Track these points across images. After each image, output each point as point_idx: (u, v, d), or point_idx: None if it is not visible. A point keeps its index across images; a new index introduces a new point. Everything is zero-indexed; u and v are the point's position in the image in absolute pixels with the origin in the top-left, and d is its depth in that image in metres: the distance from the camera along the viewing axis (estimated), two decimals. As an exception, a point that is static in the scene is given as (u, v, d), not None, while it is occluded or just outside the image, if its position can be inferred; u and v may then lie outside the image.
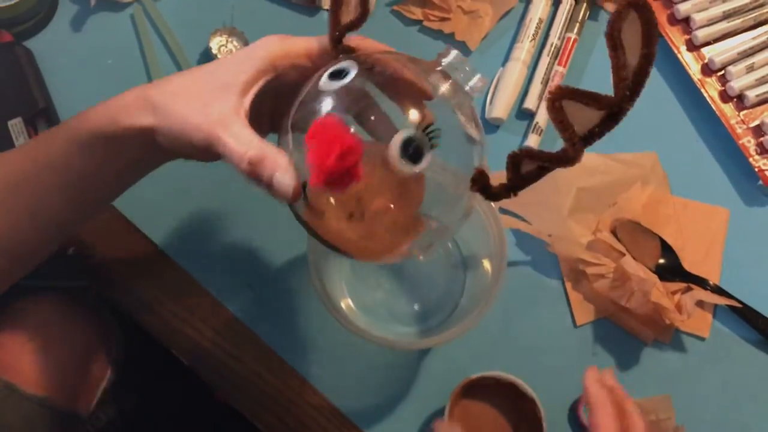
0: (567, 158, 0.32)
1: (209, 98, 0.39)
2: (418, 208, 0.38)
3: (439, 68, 0.38)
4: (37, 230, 0.49)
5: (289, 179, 0.36)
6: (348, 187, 0.34)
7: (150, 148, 0.43)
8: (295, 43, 0.42)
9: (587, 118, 0.31)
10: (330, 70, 0.37)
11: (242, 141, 0.38)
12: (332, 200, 0.36)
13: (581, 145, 0.32)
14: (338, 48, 0.40)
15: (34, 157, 0.47)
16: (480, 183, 0.36)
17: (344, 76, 0.36)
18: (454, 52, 0.37)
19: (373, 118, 0.38)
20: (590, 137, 0.32)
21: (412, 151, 0.34)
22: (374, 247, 0.39)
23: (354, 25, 0.40)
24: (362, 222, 0.36)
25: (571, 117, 0.31)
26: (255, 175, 0.37)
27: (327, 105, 0.36)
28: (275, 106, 0.44)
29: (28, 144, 0.50)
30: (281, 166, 0.37)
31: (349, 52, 0.40)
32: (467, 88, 0.38)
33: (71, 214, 0.48)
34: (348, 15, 0.40)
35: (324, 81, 0.37)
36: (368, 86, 0.37)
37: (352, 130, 0.34)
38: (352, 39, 0.41)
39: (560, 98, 0.31)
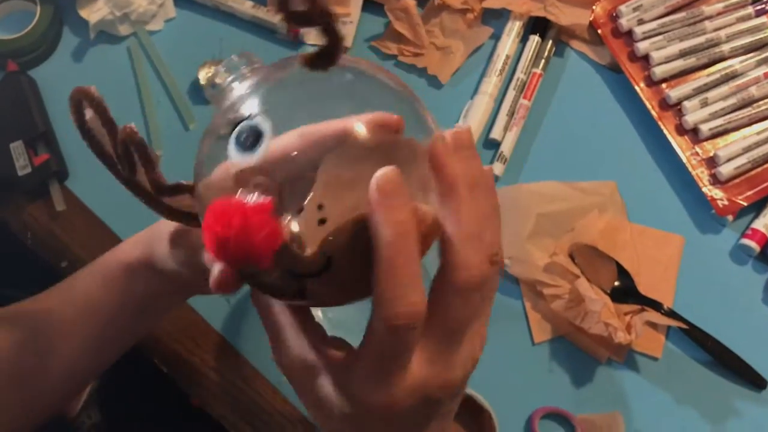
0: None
1: None
2: None
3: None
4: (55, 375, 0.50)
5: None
6: (268, 254, 0.27)
7: (156, 279, 0.46)
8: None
9: None
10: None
11: None
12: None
13: None
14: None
15: (59, 291, 0.51)
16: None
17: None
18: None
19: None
20: None
21: (246, 137, 0.29)
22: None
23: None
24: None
25: None
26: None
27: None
28: None
29: (64, 280, 0.52)
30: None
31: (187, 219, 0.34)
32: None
33: (85, 356, 0.50)
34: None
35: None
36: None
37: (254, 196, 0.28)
38: None
39: None
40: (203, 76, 0.72)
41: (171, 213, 0.33)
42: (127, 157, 0.31)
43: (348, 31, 0.75)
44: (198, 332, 0.66)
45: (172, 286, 0.48)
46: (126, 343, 0.53)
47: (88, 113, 0.31)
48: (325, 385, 0.31)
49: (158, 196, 0.32)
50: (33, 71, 0.74)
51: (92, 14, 0.74)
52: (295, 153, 0.30)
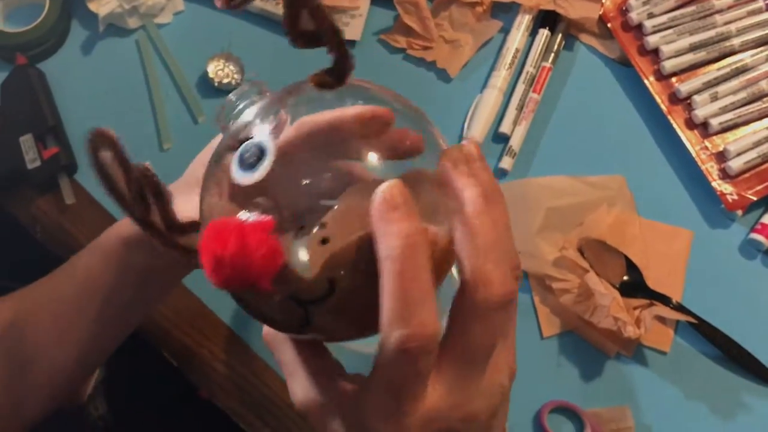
0: None
1: (189, 192, 0.41)
2: None
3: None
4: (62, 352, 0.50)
5: None
6: (267, 274, 0.26)
7: (154, 252, 0.47)
8: None
9: None
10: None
11: None
12: None
13: None
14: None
15: (62, 270, 0.51)
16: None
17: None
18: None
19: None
20: None
21: (249, 155, 0.28)
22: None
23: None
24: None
25: None
26: None
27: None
28: None
29: (68, 261, 0.52)
30: None
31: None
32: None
33: (89, 335, 0.50)
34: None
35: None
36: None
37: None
38: None
39: None
40: (212, 69, 0.72)
41: (185, 252, 0.32)
42: (142, 197, 0.30)
43: (357, 24, 0.75)
44: (207, 324, 0.66)
45: (168, 258, 0.48)
46: (128, 321, 0.53)
47: (105, 155, 0.30)
48: (336, 423, 0.29)
49: (171, 234, 0.31)
50: (42, 64, 0.74)
51: (101, 7, 0.74)
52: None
